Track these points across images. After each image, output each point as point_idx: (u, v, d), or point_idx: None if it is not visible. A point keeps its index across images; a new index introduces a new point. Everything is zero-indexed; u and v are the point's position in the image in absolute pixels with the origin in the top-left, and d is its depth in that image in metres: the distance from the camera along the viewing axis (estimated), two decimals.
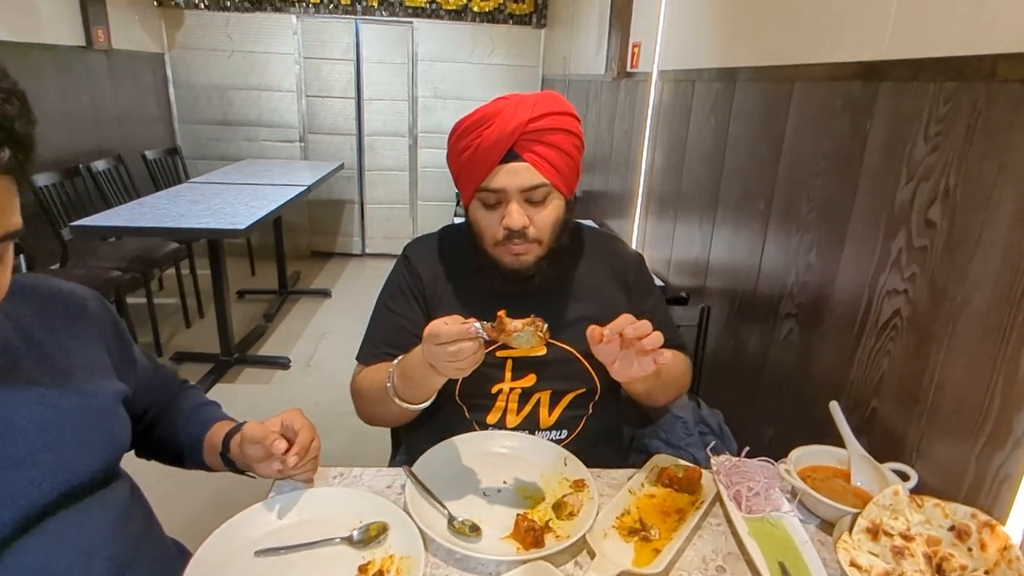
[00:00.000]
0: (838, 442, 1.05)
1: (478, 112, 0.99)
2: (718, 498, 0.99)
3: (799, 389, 1.33)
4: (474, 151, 0.98)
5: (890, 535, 0.86)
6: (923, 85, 0.99)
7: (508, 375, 1.10)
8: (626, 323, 0.85)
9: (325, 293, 4.21)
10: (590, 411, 1.15)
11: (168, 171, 4.10)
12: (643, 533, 0.91)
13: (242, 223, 2.50)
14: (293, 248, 4.91)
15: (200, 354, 3.17)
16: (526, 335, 0.85)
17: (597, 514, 0.91)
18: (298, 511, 0.90)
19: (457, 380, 1.09)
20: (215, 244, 2.86)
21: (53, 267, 3.07)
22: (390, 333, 1.12)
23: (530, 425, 1.12)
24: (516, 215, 0.99)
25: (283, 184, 3.49)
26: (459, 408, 1.12)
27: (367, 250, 5.18)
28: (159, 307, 3.76)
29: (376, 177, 5.00)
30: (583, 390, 1.12)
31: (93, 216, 2.59)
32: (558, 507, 0.94)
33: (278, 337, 3.54)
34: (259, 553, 0.83)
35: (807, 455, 1.05)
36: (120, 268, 2.99)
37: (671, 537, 0.90)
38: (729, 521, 0.95)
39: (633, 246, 2.57)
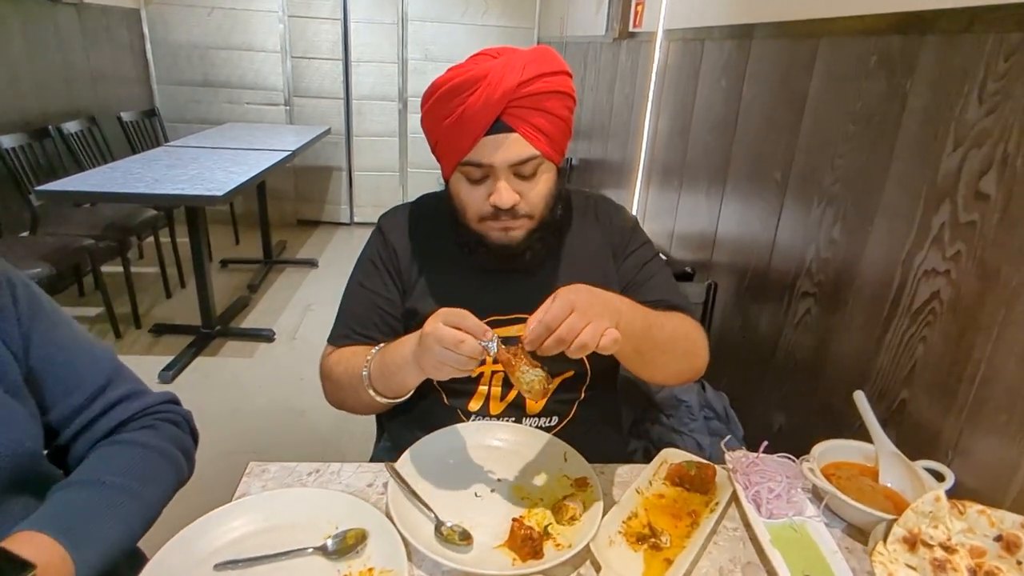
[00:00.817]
0: (858, 434, 0.96)
1: (460, 73, 0.86)
2: (734, 498, 0.90)
3: (815, 375, 1.23)
4: (456, 119, 0.86)
5: (929, 546, 0.77)
6: (978, 37, 0.87)
7: (489, 357, 0.99)
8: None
9: (311, 263, 4.07)
10: (581, 396, 1.05)
11: (145, 134, 3.91)
12: (653, 540, 0.82)
13: (220, 190, 2.35)
14: (279, 216, 4.75)
15: (180, 326, 3.04)
16: (535, 381, 0.76)
17: (602, 518, 0.81)
18: (266, 516, 0.80)
19: None
20: (194, 211, 2.71)
21: (23, 234, 2.92)
22: (364, 313, 1.02)
23: (516, 412, 1.02)
24: (505, 193, 0.88)
25: (266, 149, 3.32)
26: (438, 394, 1.03)
27: (355, 219, 5.02)
28: (138, 276, 3.62)
29: (364, 143, 4.81)
30: (571, 373, 1.02)
31: (62, 180, 2.43)
32: (558, 510, 0.84)
33: (262, 308, 3.42)
34: (219, 567, 0.73)
35: (830, 451, 0.95)
36: (94, 236, 2.84)
37: (684, 545, 0.81)
38: (747, 525, 0.86)
39: None
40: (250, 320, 3.28)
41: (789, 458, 0.93)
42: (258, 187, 3.85)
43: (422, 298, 1.01)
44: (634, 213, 2.45)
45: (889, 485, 0.91)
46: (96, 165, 3.17)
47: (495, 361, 0.78)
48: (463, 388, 1.01)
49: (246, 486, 0.87)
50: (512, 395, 1.02)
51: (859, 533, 0.85)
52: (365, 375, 0.89)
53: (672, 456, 0.98)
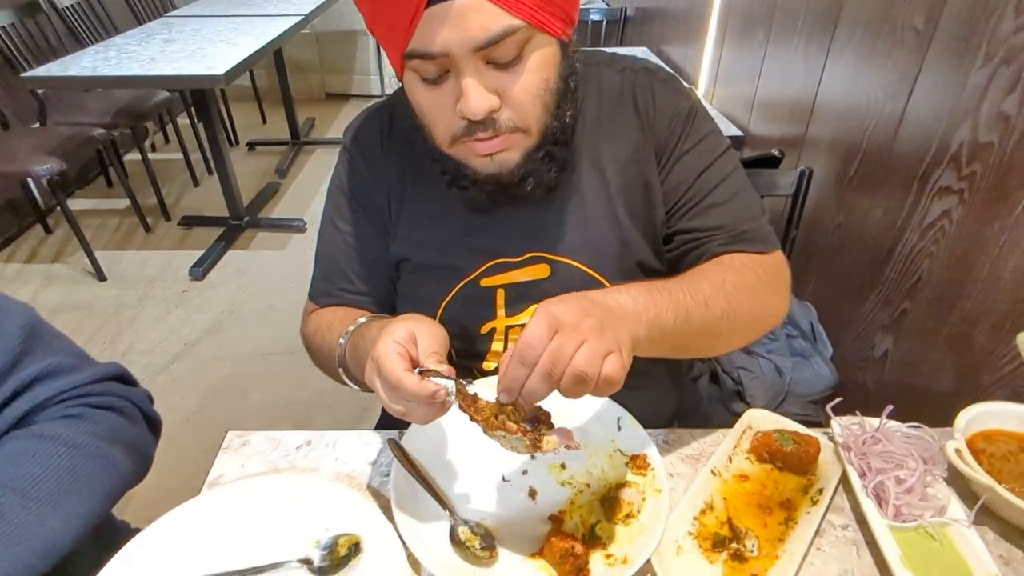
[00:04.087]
0: (1005, 382, 0.71)
1: None
2: (843, 481, 0.68)
3: (949, 297, 0.95)
4: None
5: None
6: None
7: (500, 311, 0.76)
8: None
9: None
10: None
11: (150, 2, 3.54)
12: (735, 546, 0.62)
13: (221, 68, 2.06)
14: (305, 90, 4.41)
15: (209, 218, 2.91)
16: (512, 441, 0.52)
17: (667, 517, 0.61)
18: (242, 514, 0.64)
19: (435, 318, 0.76)
20: (201, 93, 2.45)
21: (33, 126, 2.75)
22: (342, 261, 0.80)
23: None
24: (474, 95, 0.57)
25: (278, 15, 2.94)
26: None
27: (387, 90, 4.62)
28: (164, 164, 3.47)
29: None
30: None
31: (47, 65, 2.18)
32: (609, 504, 0.65)
33: (293, 195, 3.24)
34: None
35: (978, 417, 0.71)
36: (105, 124, 2.64)
37: (777, 553, 0.61)
38: (861, 521, 0.65)
39: (702, 82, 2.04)
40: (281, 208, 3.11)
41: (920, 429, 0.69)
42: (277, 59, 3.51)
43: (408, 244, 0.77)
44: (703, 76, 2.03)
45: None
46: (99, 40, 2.88)
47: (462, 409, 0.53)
48: (472, 348, 0.79)
49: (221, 465, 0.71)
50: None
51: (1020, 535, 0.63)
52: (340, 359, 0.69)
53: (759, 421, 0.75)
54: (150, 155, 2.86)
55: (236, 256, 2.70)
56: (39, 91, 2.60)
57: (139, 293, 2.45)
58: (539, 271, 0.74)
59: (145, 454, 0.66)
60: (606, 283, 0.74)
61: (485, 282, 0.75)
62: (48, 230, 2.87)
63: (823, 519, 0.65)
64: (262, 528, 0.63)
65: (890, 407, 0.70)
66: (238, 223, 2.81)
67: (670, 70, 0.78)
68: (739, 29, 1.75)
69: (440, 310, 0.77)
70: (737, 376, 1.22)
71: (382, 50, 4.10)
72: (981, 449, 0.69)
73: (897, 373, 1.07)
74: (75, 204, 2.96)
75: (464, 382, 0.53)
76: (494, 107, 0.58)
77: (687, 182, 0.73)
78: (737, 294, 0.65)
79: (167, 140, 3.80)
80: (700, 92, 2.05)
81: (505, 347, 0.79)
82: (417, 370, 0.53)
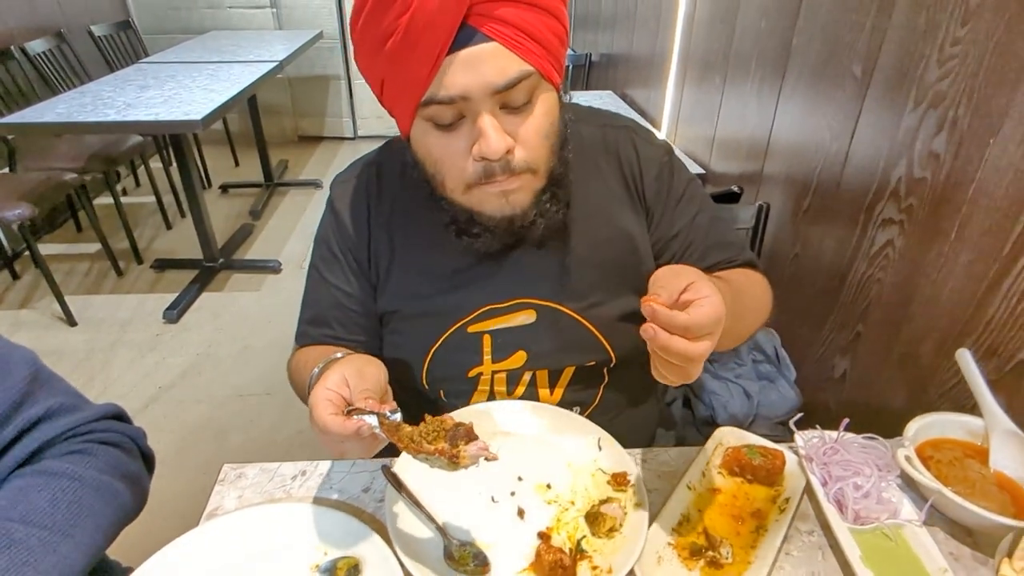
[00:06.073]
0: (950, 396, 0.78)
1: None
2: (808, 490, 0.73)
3: (896, 319, 1.03)
4: (402, 37, 0.58)
5: None
6: None
7: (487, 357, 0.80)
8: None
9: (315, 184, 3.84)
10: (606, 379, 0.85)
11: (122, 50, 3.58)
12: (711, 554, 0.66)
13: (198, 113, 2.11)
14: (278, 133, 4.47)
15: (183, 260, 2.90)
16: (433, 461, 0.56)
17: (648, 528, 0.66)
18: (242, 542, 0.66)
19: (422, 364, 0.80)
20: (177, 138, 2.48)
21: (2, 171, 2.73)
22: (326, 309, 0.82)
23: None
24: (494, 135, 0.60)
25: (253, 61, 3.01)
26: (429, 393, 0.84)
27: (359, 132, 4.71)
28: (136, 208, 3.46)
29: None
30: (592, 363, 0.82)
31: (21, 112, 2.19)
32: (594, 519, 0.69)
33: (267, 236, 3.25)
34: None
35: (925, 427, 0.77)
36: (77, 169, 2.64)
37: (749, 560, 0.66)
38: (825, 526, 0.70)
39: (664, 122, 2.16)
40: (255, 250, 3.12)
41: (875, 440, 0.76)
42: (251, 103, 3.56)
43: (397, 297, 0.80)
44: (666, 116, 2.15)
45: (1004, 471, 0.73)
46: (70, 88, 2.90)
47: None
48: (459, 388, 0.83)
49: (219, 497, 0.73)
50: (520, 390, 0.83)
51: (966, 533, 0.69)
52: (307, 393, 0.71)
53: (729, 437, 0.81)
54: (121, 199, 2.85)
55: (211, 298, 2.70)
56: (9, 137, 2.60)
57: (111, 338, 2.42)
58: (525, 316, 0.78)
59: (143, 488, 0.68)
60: (591, 327, 0.79)
61: (473, 328, 0.78)
62: (15, 275, 2.83)
63: (790, 526, 0.69)
64: (262, 555, 0.65)
65: (846, 420, 0.76)
66: (212, 265, 2.80)
67: (647, 124, 0.85)
68: (698, 73, 1.87)
69: (428, 357, 0.79)
70: (708, 400, 1.28)
71: (354, 93, 4.17)
72: (930, 456, 0.75)
73: (855, 391, 1.14)
74: (44, 249, 2.92)
75: (387, 414, 0.56)
76: (510, 147, 0.62)
77: (685, 228, 0.80)
78: (752, 295, 0.77)
79: (137, 184, 3.79)
80: (663, 132, 2.17)
81: (491, 392, 0.83)
82: (347, 409, 0.57)
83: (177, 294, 2.62)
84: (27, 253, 2.32)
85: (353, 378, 0.58)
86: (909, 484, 0.72)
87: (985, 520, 0.65)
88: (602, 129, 0.80)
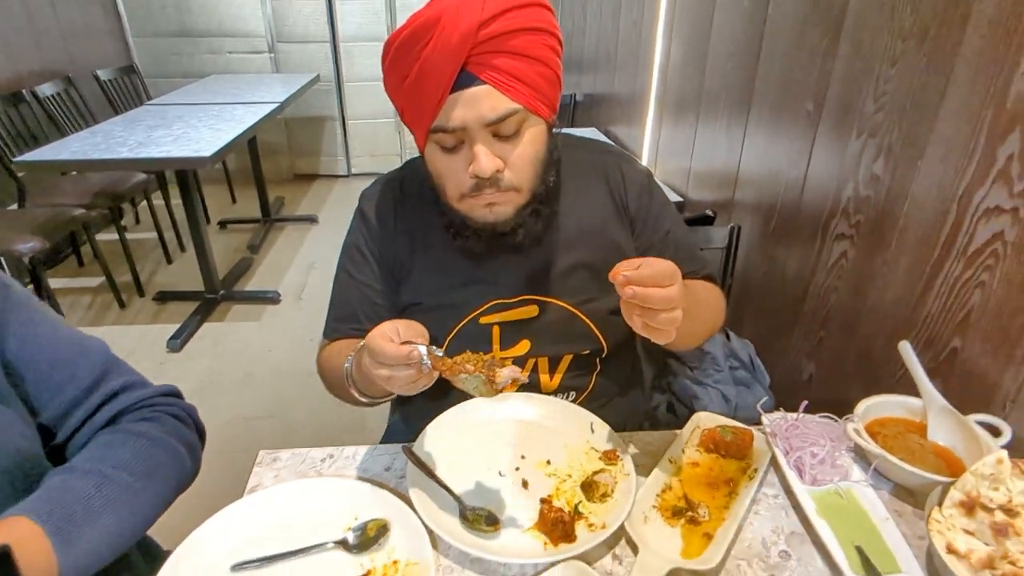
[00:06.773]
0: (899, 385, 0.90)
1: (414, 20, 0.73)
2: (773, 463, 0.85)
3: (851, 322, 1.16)
4: (416, 77, 0.73)
5: (989, 509, 0.72)
6: None
7: (496, 345, 0.92)
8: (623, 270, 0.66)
9: (311, 219, 3.97)
10: (599, 367, 0.98)
11: (126, 92, 3.74)
12: (690, 514, 0.77)
13: (208, 150, 2.24)
14: (274, 171, 4.61)
15: (183, 292, 2.99)
16: (473, 381, 0.67)
17: (635, 493, 0.76)
18: (282, 510, 0.76)
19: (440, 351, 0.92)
20: (184, 174, 2.60)
21: (11, 207, 2.83)
22: (355, 304, 0.94)
23: (530, 391, 0.95)
24: (484, 158, 0.75)
25: (253, 102, 3.17)
26: (444, 380, 0.96)
27: (353, 170, 4.88)
28: (137, 243, 3.56)
29: (355, 89, 4.61)
30: (587, 351, 0.95)
31: (40, 149, 2.31)
32: (588, 487, 0.79)
33: (265, 269, 3.36)
34: (237, 568, 0.69)
35: (873, 407, 0.89)
36: (84, 205, 2.75)
37: (723, 517, 0.76)
38: (788, 491, 0.81)
39: (645, 156, 2.33)
40: (254, 282, 3.22)
41: (831, 418, 0.88)
42: (249, 142, 3.71)
43: (418, 289, 0.92)
44: (646, 150, 2.32)
45: (939, 442, 0.85)
46: (77, 129, 3.04)
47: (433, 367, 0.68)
48: None
49: (258, 477, 0.83)
50: (524, 374, 0.94)
51: (908, 494, 0.80)
52: (347, 373, 0.80)
53: (705, 420, 0.92)
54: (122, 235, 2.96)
55: (212, 328, 2.78)
56: (19, 174, 2.71)
57: None
58: (529, 311, 0.91)
59: (198, 456, 0.78)
60: (587, 321, 0.91)
61: (484, 320, 0.91)
62: None
63: (758, 490, 0.80)
64: (300, 520, 0.74)
65: (806, 402, 0.88)
66: (214, 296, 2.90)
67: (626, 151, 1.01)
68: (674, 111, 2.04)
69: (444, 345, 0.92)
70: (690, 404, 1.39)
71: (348, 133, 4.34)
72: (877, 432, 0.87)
73: (821, 391, 1.26)
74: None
75: (434, 348, 0.67)
76: (499, 168, 0.77)
77: (661, 238, 0.94)
78: (709, 301, 0.91)
79: (138, 220, 3.89)
80: (644, 165, 2.33)
81: None
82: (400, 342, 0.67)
83: (179, 324, 2.70)
84: (30, 286, 2.40)
85: (402, 326, 0.68)
86: (859, 454, 0.84)
87: (920, 478, 0.76)
88: (594, 155, 0.96)
